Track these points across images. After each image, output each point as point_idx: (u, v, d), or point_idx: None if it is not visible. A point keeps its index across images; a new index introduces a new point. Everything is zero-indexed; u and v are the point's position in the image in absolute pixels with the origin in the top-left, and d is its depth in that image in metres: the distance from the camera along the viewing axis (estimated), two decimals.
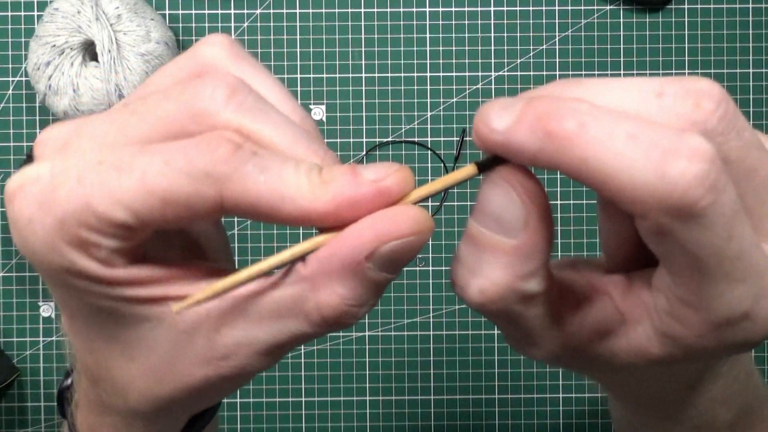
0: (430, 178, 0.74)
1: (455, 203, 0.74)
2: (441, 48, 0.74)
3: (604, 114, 0.22)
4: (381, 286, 0.24)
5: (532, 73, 0.74)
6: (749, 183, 0.23)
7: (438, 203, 0.74)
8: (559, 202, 0.74)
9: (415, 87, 0.74)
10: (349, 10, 0.74)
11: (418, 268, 0.74)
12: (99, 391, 0.28)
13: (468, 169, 0.24)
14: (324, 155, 0.25)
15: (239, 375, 0.26)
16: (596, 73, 0.74)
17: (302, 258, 0.24)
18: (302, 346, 0.74)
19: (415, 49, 0.74)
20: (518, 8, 0.74)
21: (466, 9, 0.74)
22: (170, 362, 0.26)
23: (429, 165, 0.74)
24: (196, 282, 0.25)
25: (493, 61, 0.74)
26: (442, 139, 0.74)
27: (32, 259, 0.24)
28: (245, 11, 0.74)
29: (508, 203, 0.24)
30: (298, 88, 0.74)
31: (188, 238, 0.30)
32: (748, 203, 0.23)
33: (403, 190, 0.23)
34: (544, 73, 0.74)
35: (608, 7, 0.74)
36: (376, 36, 0.74)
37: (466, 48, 0.74)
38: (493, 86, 0.74)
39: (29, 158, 0.70)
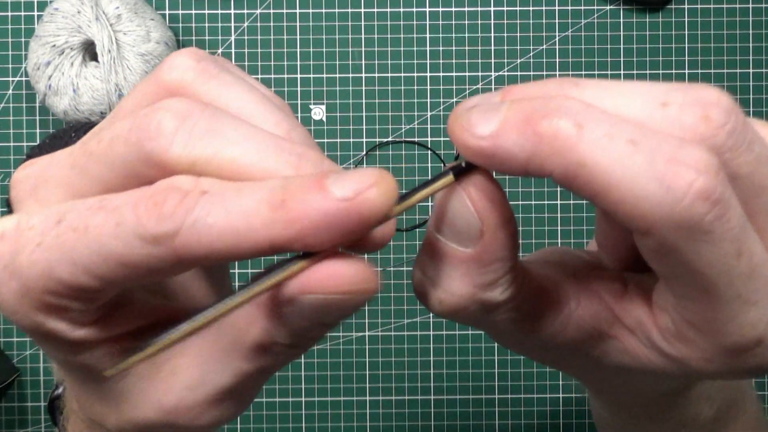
0: (430, 177, 0.74)
1: None
2: (441, 48, 0.74)
3: (601, 115, 0.20)
4: (311, 331, 0.22)
5: (532, 73, 0.74)
6: (760, 199, 0.22)
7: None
8: (559, 201, 0.74)
9: (415, 87, 0.74)
10: (349, 10, 0.74)
11: None
12: (86, 412, 0.28)
13: (445, 179, 0.22)
14: (298, 162, 0.22)
15: (193, 426, 0.25)
16: (596, 73, 0.74)
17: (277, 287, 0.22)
18: None
19: (415, 49, 0.74)
20: (518, 8, 0.74)
21: (466, 9, 0.74)
22: (134, 405, 0.25)
23: (429, 165, 0.74)
24: (163, 331, 0.23)
25: (493, 61, 0.74)
26: (442, 139, 0.74)
27: (6, 316, 0.23)
28: (245, 11, 0.74)
29: (464, 212, 0.22)
30: (298, 88, 0.74)
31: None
32: (761, 222, 0.22)
33: (379, 209, 0.20)
34: (544, 73, 0.74)
35: (608, 7, 0.74)
36: (376, 36, 0.74)
37: (466, 48, 0.74)
38: (493, 86, 0.74)
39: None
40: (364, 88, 0.74)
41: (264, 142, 0.22)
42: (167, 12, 0.74)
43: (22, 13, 0.74)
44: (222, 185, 0.21)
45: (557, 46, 0.74)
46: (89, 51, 0.68)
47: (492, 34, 0.74)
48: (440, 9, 0.74)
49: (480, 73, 0.74)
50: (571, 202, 0.74)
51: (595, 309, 0.25)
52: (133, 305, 0.24)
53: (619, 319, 0.24)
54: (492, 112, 0.21)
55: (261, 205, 0.20)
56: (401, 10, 0.74)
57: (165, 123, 0.22)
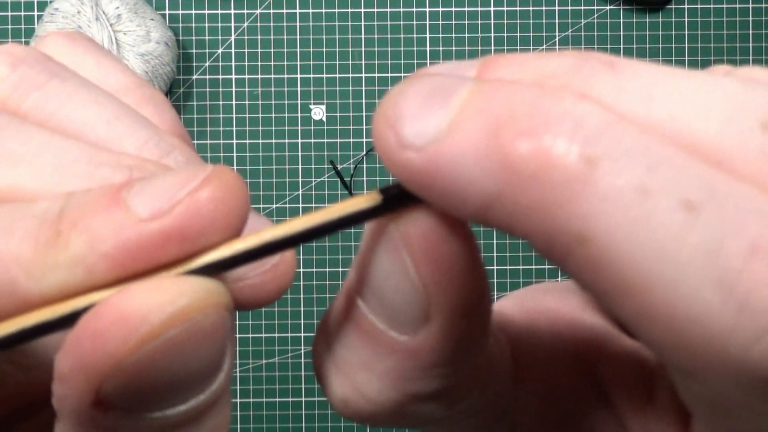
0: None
1: None
2: (441, 48, 0.74)
3: (639, 140, 0.11)
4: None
5: None
6: None
7: None
8: None
9: None
10: (349, 10, 0.74)
11: None
12: None
13: (361, 201, 0.13)
14: (144, 144, 0.16)
15: None
16: None
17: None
18: (302, 345, 0.74)
19: (415, 49, 0.74)
20: (518, 8, 0.74)
21: (466, 9, 0.74)
22: None
23: None
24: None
25: None
26: None
27: None
28: (245, 11, 0.74)
29: (399, 279, 0.14)
30: (298, 88, 0.74)
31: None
32: None
33: (209, 229, 0.13)
34: None
35: (608, 7, 0.74)
36: (376, 36, 0.74)
37: (466, 48, 0.74)
38: None
39: None
40: (364, 88, 0.74)
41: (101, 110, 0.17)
42: (167, 12, 0.74)
43: (22, 13, 0.74)
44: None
45: (557, 47, 0.74)
46: None
47: (492, 34, 0.74)
48: (440, 9, 0.74)
49: None
50: None
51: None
52: None
53: None
54: (443, 98, 0.12)
55: (23, 245, 0.13)
56: (401, 10, 0.74)
57: None
